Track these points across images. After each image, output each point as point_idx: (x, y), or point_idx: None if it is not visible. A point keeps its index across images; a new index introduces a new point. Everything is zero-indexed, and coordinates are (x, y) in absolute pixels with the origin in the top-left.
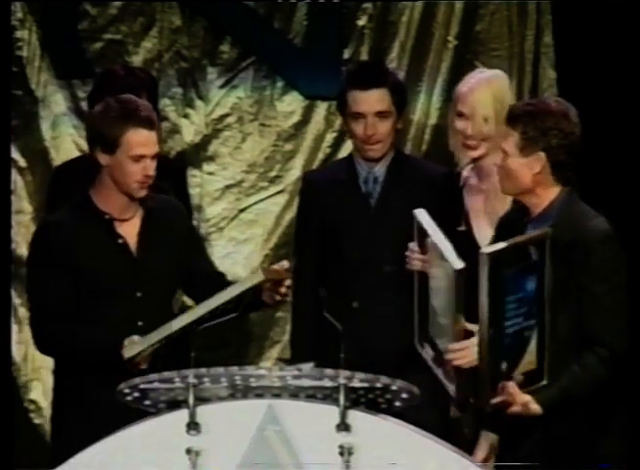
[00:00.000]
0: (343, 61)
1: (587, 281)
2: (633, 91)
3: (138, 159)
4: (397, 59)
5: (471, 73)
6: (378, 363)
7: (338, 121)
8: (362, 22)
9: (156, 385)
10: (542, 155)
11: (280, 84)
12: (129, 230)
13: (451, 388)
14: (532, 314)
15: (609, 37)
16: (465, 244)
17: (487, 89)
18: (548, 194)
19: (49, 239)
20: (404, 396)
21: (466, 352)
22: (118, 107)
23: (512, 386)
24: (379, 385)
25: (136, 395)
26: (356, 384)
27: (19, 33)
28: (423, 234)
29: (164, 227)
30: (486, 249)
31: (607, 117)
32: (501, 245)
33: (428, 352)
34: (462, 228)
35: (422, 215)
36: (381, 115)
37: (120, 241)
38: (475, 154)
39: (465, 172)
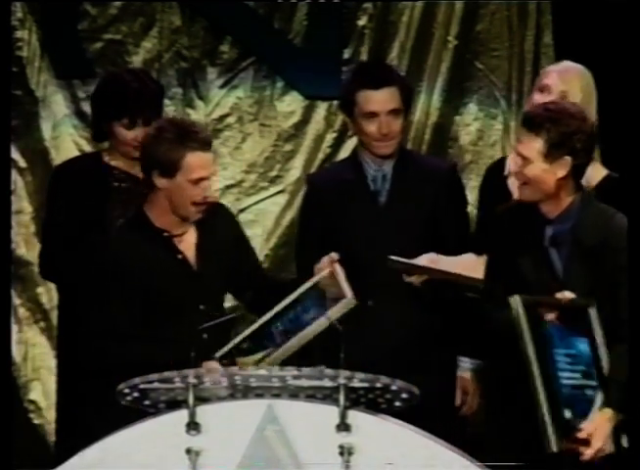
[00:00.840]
0: (343, 61)
1: (621, 278)
2: (633, 91)
3: (198, 181)
4: (397, 59)
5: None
6: (383, 362)
7: (338, 121)
8: (362, 22)
9: (156, 385)
10: (568, 159)
11: (280, 84)
12: (186, 244)
13: None
14: (592, 376)
15: (609, 37)
16: None
17: (575, 71)
18: (568, 198)
19: (107, 256)
20: (404, 396)
21: None
22: (175, 130)
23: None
24: (379, 385)
25: (136, 395)
26: (356, 384)
27: (19, 33)
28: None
29: (218, 235)
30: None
31: (607, 117)
32: (539, 298)
33: None
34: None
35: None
36: (393, 112)
37: (180, 256)
38: None
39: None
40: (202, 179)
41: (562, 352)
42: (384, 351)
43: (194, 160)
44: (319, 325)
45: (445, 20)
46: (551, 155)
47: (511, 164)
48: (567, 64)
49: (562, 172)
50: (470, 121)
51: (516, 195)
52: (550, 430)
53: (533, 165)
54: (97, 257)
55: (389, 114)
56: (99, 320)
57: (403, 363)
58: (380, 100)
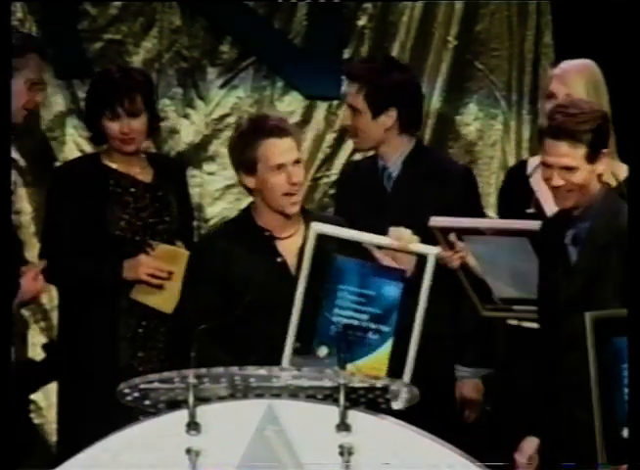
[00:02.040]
0: (343, 61)
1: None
2: (633, 92)
3: (279, 168)
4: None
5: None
6: None
7: (338, 121)
8: (362, 22)
9: (156, 385)
10: (606, 151)
11: (280, 84)
12: (290, 248)
13: None
14: None
15: (609, 37)
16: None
17: (574, 69)
18: (593, 194)
19: (206, 254)
20: (404, 396)
21: None
22: (247, 125)
23: None
24: (379, 385)
25: (136, 395)
26: (356, 384)
27: None
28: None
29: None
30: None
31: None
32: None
33: None
34: (531, 210)
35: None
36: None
37: (279, 259)
38: None
39: (534, 160)
40: (282, 165)
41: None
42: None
43: (268, 147)
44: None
45: (445, 20)
46: (593, 155)
47: (554, 178)
48: (565, 65)
49: (602, 168)
50: (470, 121)
51: (554, 205)
52: (602, 449)
53: (580, 172)
54: (197, 254)
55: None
56: (190, 316)
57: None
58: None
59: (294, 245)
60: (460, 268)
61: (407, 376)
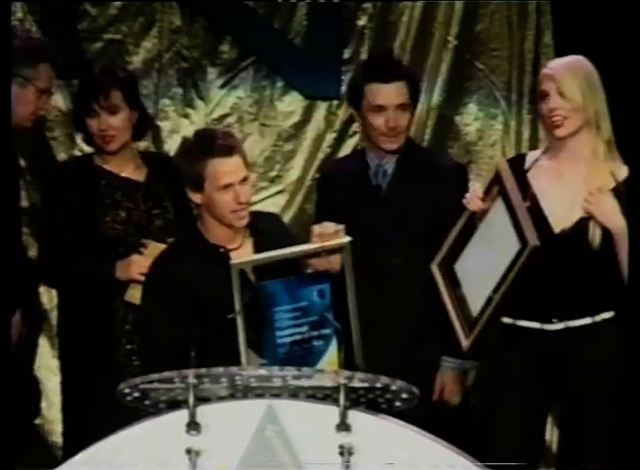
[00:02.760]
0: (343, 61)
1: None
2: (633, 91)
3: (226, 188)
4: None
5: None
6: (383, 354)
7: (338, 121)
8: (362, 22)
9: (156, 385)
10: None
11: (280, 84)
12: (242, 257)
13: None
14: None
15: (609, 37)
16: (531, 219)
17: (567, 68)
18: None
19: (165, 276)
20: (404, 396)
21: None
22: (195, 141)
23: None
24: (379, 385)
25: (136, 395)
26: (356, 384)
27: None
28: (500, 185)
29: (273, 246)
30: None
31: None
32: None
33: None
34: (526, 204)
35: (507, 174)
36: (401, 107)
37: None
38: (560, 132)
39: (533, 155)
40: (230, 185)
41: None
42: (384, 336)
43: (215, 167)
44: None
45: (445, 20)
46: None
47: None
48: (554, 63)
49: None
50: (470, 121)
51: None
52: None
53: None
54: (151, 273)
55: (398, 108)
56: (158, 339)
57: (396, 350)
58: (388, 94)
59: (245, 254)
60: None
61: (359, 363)
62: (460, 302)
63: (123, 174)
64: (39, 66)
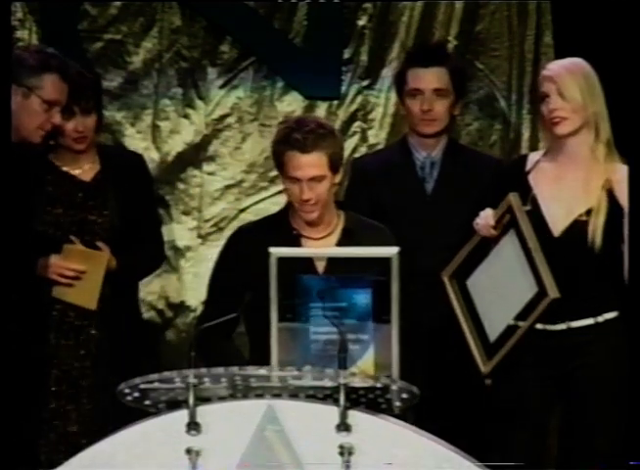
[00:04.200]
0: (343, 61)
1: None
2: (633, 91)
3: (293, 181)
4: (397, 59)
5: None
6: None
7: (338, 121)
8: (362, 22)
9: (156, 385)
10: None
11: (280, 84)
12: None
13: None
14: None
15: (609, 37)
16: (532, 223)
17: (567, 70)
18: None
19: (236, 246)
20: (404, 396)
21: None
22: (288, 126)
23: None
24: (379, 385)
25: (136, 395)
26: (356, 384)
27: (19, 33)
28: (512, 216)
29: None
30: None
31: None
32: None
33: None
34: (527, 208)
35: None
36: (438, 92)
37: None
38: (559, 130)
39: (534, 156)
40: (297, 180)
41: None
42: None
43: (290, 158)
44: None
45: (445, 20)
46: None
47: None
48: (554, 65)
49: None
50: (470, 121)
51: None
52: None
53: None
54: (225, 246)
55: (434, 93)
56: (208, 313)
57: (435, 346)
58: (426, 78)
59: (326, 245)
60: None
61: (395, 377)
62: (476, 323)
63: (70, 171)
64: (44, 76)
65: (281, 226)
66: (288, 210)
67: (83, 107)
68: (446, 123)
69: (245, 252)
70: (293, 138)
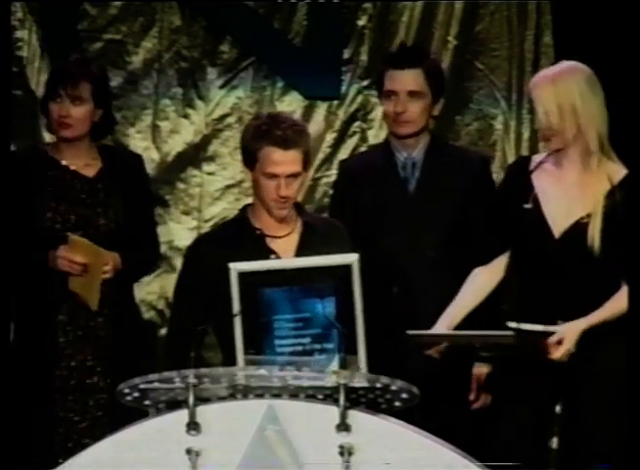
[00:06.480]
0: (343, 61)
1: None
2: (633, 92)
3: (271, 177)
4: None
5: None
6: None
7: (338, 121)
8: (362, 22)
9: (156, 385)
10: None
11: (280, 84)
12: (285, 246)
13: None
14: None
15: (609, 37)
16: (532, 221)
17: (548, 84)
18: None
19: (200, 252)
20: (404, 396)
21: None
22: (262, 121)
23: None
24: (379, 385)
25: (136, 395)
26: (356, 384)
27: (19, 33)
28: None
29: (322, 249)
30: None
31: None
32: None
33: None
34: (528, 206)
35: None
36: (412, 94)
37: (273, 257)
38: (549, 146)
39: (538, 157)
40: (275, 176)
41: None
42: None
43: (268, 154)
44: None
45: (445, 20)
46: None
47: None
48: (536, 78)
49: None
50: (470, 121)
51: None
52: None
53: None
54: (187, 253)
55: (409, 95)
56: (181, 316)
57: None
58: (400, 80)
59: (290, 243)
60: None
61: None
62: None
63: (73, 168)
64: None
65: (243, 228)
66: (245, 211)
67: (70, 92)
68: (423, 125)
69: (206, 264)
70: (274, 134)
